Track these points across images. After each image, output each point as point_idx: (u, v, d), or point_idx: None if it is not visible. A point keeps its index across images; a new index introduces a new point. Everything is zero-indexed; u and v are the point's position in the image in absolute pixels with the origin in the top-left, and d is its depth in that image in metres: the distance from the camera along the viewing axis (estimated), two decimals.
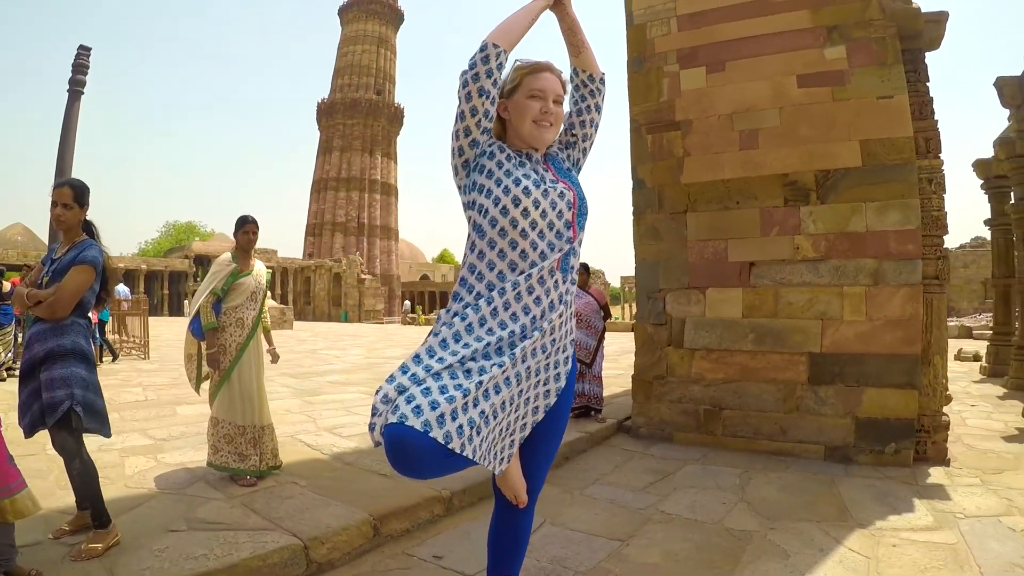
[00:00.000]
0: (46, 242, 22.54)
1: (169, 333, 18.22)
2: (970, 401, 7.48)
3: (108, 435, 2.78)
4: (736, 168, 5.29)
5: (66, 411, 2.53)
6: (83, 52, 15.87)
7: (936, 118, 4.79)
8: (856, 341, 4.76)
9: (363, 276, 45.96)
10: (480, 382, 1.38)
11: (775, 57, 5.16)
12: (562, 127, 1.77)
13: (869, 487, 4.01)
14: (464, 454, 1.32)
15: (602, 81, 1.78)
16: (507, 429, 1.51)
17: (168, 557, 2.56)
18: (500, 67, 1.55)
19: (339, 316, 43.55)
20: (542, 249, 1.55)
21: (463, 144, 1.59)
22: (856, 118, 4.83)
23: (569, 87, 1.76)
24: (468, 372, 1.40)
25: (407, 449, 1.27)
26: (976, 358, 12.29)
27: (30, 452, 3.93)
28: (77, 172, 14.31)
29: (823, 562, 2.86)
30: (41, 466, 3.79)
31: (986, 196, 10.38)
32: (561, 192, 1.59)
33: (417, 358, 1.44)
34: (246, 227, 3.94)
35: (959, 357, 12.58)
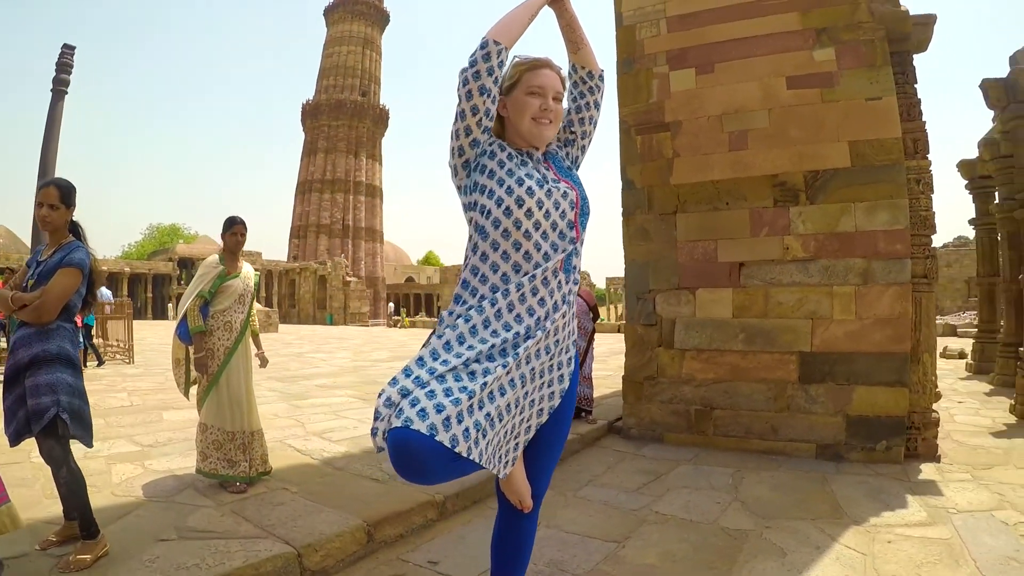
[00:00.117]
0: (29, 244, 22.16)
1: (153, 337, 18.01)
2: (957, 398, 7.57)
3: (90, 445, 2.70)
4: (726, 169, 5.30)
5: (52, 418, 2.46)
6: (67, 51, 15.60)
7: (924, 119, 4.84)
8: (846, 340, 4.79)
9: (348, 278, 45.70)
10: (485, 383, 1.35)
11: (765, 59, 5.18)
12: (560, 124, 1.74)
13: (861, 484, 4.03)
14: (471, 458, 1.29)
15: (601, 78, 1.76)
16: (512, 432, 1.48)
17: (159, 568, 2.50)
18: (501, 64, 1.52)
19: (324, 319, 43.30)
20: (545, 250, 1.53)
21: (463, 144, 1.56)
22: (845, 119, 4.87)
23: (568, 84, 1.74)
24: (473, 374, 1.37)
25: (413, 454, 1.24)
26: (961, 355, 12.45)
27: (15, 460, 3.86)
28: (60, 173, 14.03)
29: (820, 560, 2.86)
30: (26, 474, 3.70)
31: (970, 196, 10.52)
32: (564, 192, 1.57)
33: (420, 361, 1.40)
34: (234, 228, 3.86)
35: (945, 355, 12.74)
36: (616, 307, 38.20)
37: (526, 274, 1.51)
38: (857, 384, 4.72)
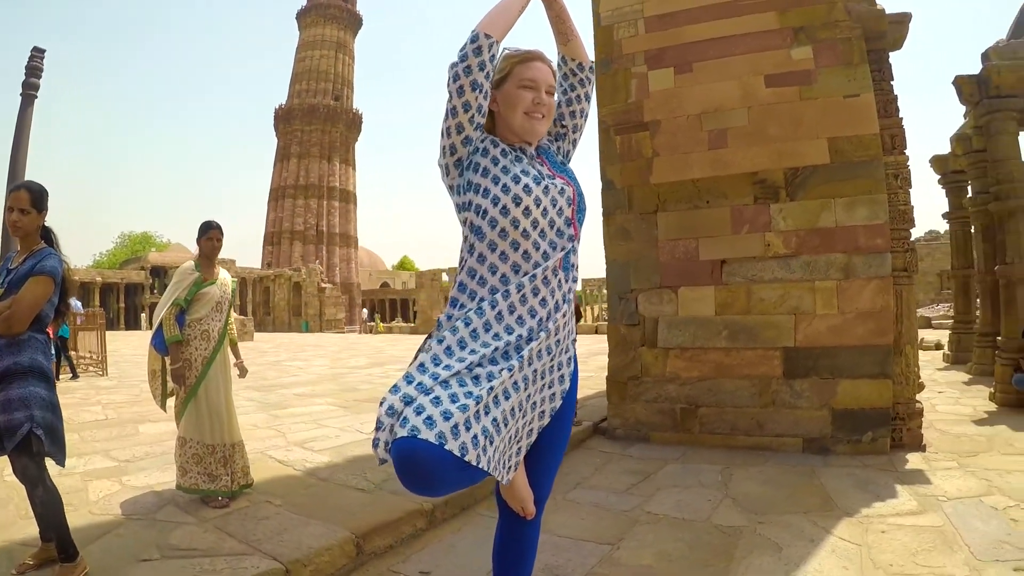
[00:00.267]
0: None
1: (127, 348, 17.60)
2: (937, 388, 7.69)
3: (62, 464, 2.57)
4: (705, 168, 5.32)
5: (26, 435, 2.35)
6: (37, 55, 15.20)
7: (901, 115, 4.91)
8: (829, 334, 4.83)
9: (323, 285, 45.20)
10: (491, 387, 1.30)
11: (743, 58, 5.22)
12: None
13: (849, 476, 4.06)
14: (480, 466, 1.24)
15: (591, 70, 1.73)
16: (515, 436, 1.43)
17: None
18: (493, 59, 1.48)
19: (300, 326, 42.70)
20: (544, 249, 1.48)
21: (455, 142, 1.51)
22: (823, 116, 4.92)
23: (558, 76, 1.70)
24: (477, 379, 1.32)
25: (421, 464, 1.17)
26: (938, 346, 12.69)
27: None
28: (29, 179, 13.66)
29: (816, 553, 2.87)
30: (0, 494, 3.56)
31: (944, 191, 10.71)
32: (561, 188, 1.53)
33: (422, 367, 1.34)
34: (210, 233, 3.75)
35: (922, 346, 12.95)
36: (592, 308, 38.19)
37: (525, 274, 1.46)
38: (841, 377, 4.76)
